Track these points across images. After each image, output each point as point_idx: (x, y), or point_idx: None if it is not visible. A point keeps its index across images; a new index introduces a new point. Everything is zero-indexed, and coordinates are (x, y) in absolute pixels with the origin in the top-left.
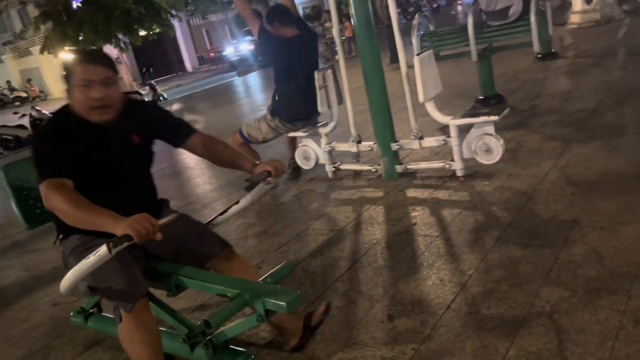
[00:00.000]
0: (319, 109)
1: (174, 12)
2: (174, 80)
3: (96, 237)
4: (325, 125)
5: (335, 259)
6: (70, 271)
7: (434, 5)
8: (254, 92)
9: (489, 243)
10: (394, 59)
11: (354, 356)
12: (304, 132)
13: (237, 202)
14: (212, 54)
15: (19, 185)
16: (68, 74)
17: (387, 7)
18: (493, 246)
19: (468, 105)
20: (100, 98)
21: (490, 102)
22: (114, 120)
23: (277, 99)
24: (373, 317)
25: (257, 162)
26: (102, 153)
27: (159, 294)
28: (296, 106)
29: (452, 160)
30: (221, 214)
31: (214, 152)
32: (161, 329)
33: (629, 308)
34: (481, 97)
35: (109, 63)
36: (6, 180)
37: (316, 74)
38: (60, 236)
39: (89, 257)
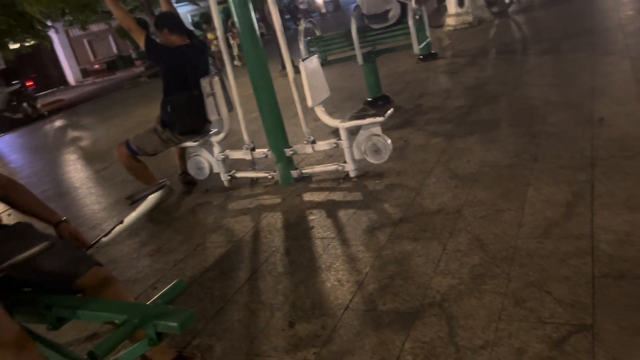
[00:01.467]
0: (210, 117)
1: (49, 22)
2: (56, 94)
3: None
4: (217, 133)
5: (234, 270)
6: None
7: (323, 11)
8: (143, 103)
9: (382, 240)
10: (283, 65)
11: None
12: (194, 142)
13: (121, 222)
14: (96, 66)
15: None
16: None
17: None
18: (386, 242)
19: (357, 107)
20: None
21: (378, 103)
22: None
23: (168, 111)
24: (274, 326)
25: (62, 220)
26: None
27: (37, 326)
28: (189, 118)
29: (345, 162)
30: (105, 235)
31: (16, 200)
32: None
33: (509, 290)
34: (369, 99)
35: None
36: None
37: (202, 82)
38: None
39: None
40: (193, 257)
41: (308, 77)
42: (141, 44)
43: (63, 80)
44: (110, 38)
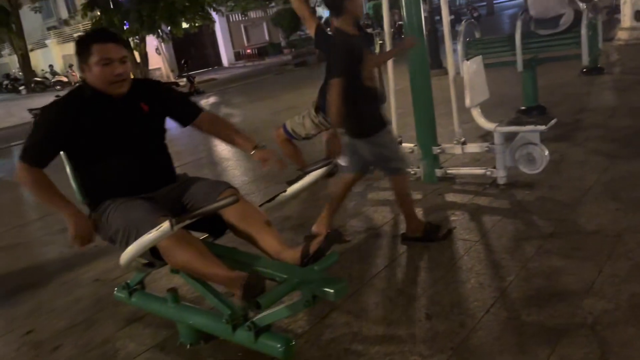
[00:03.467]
0: None
1: (215, 5)
2: (209, 73)
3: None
4: None
5: (372, 257)
6: (130, 246)
7: (475, 15)
8: (289, 89)
9: (529, 251)
10: (434, 65)
11: (391, 351)
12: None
13: (284, 191)
14: (248, 51)
15: None
16: (84, 51)
17: (429, 13)
18: (534, 255)
19: (508, 115)
20: (120, 74)
21: (533, 113)
22: (126, 92)
23: (327, 97)
24: (411, 315)
25: (257, 145)
26: (115, 121)
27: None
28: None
29: (494, 167)
30: (268, 201)
31: (217, 131)
32: (202, 309)
33: None
34: (523, 108)
35: (124, 42)
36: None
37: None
38: (91, 205)
39: (150, 233)
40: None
41: (471, 77)
42: (311, 32)
43: (218, 61)
44: (264, 25)
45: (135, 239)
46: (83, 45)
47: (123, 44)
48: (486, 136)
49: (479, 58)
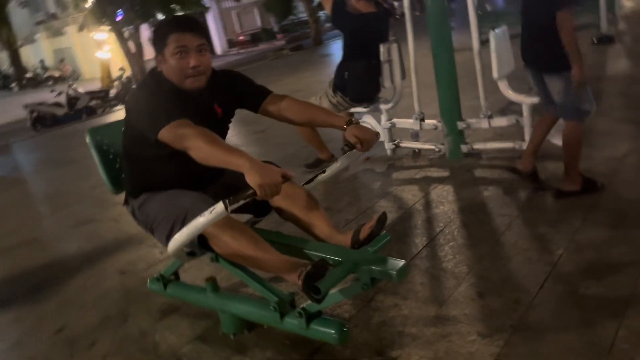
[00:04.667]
0: (384, 84)
1: None
2: None
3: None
4: (386, 101)
5: (409, 236)
6: (181, 231)
7: None
8: (289, 73)
9: (574, 224)
10: None
11: (448, 332)
12: (364, 108)
13: (323, 171)
14: (241, 37)
15: (105, 150)
16: (160, 41)
17: None
18: (580, 227)
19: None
20: (196, 65)
21: None
22: (203, 88)
23: (345, 76)
24: (462, 294)
25: (351, 119)
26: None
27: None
28: (365, 86)
29: (523, 140)
30: (307, 182)
31: (295, 111)
32: (245, 296)
33: None
34: None
35: (202, 29)
36: (93, 144)
37: (381, 47)
38: (131, 194)
39: (202, 216)
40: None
41: (497, 47)
42: (327, 8)
43: (211, 49)
44: (256, 11)
45: (183, 224)
46: (159, 35)
47: (202, 32)
48: (505, 110)
49: (504, 28)
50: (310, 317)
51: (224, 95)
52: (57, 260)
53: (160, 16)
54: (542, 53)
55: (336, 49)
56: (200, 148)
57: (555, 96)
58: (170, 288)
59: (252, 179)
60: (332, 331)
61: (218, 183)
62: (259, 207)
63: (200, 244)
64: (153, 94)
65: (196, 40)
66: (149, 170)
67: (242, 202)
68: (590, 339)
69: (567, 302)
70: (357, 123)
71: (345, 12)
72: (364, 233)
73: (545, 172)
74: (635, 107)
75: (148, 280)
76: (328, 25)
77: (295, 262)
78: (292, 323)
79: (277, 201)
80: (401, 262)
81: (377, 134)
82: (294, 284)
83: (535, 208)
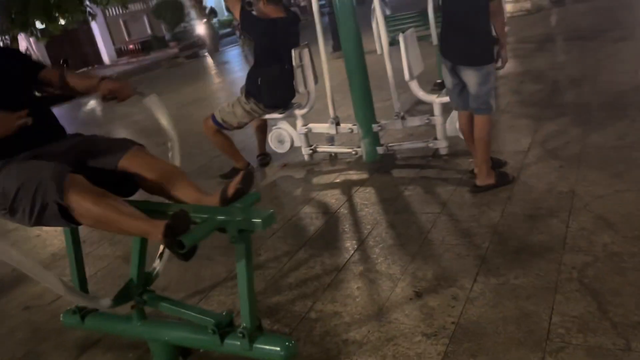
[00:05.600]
0: (298, 89)
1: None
2: (90, 73)
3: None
4: (300, 106)
5: (339, 241)
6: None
7: None
8: (188, 81)
9: (494, 216)
10: (337, 47)
11: (393, 335)
12: (280, 114)
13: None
14: (131, 46)
15: None
16: None
17: None
18: (500, 219)
19: (425, 88)
20: None
21: None
22: None
23: (259, 82)
24: (400, 296)
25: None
26: None
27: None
28: (279, 91)
29: (436, 138)
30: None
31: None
32: (176, 322)
33: None
34: (439, 81)
35: None
36: None
37: (293, 52)
38: None
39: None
40: (290, 226)
41: (407, 50)
42: (236, 14)
43: (98, 59)
44: (145, 18)
45: (43, 197)
46: None
47: None
48: (411, 110)
49: (411, 30)
50: (252, 336)
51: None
52: None
53: (39, 25)
54: (462, 47)
55: (234, 56)
56: None
57: (471, 89)
58: (90, 320)
59: None
60: (278, 348)
61: (65, 143)
62: (124, 187)
63: (67, 216)
64: None
65: None
66: None
67: None
68: (528, 328)
69: (502, 293)
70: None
71: (254, 17)
72: (230, 190)
73: (459, 169)
74: (530, 103)
75: (61, 315)
76: (223, 32)
77: (157, 221)
78: (234, 344)
79: (143, 175)
80: (269, 211)
81: (131, 86)
82: (158, 240)
83: (455, 204)
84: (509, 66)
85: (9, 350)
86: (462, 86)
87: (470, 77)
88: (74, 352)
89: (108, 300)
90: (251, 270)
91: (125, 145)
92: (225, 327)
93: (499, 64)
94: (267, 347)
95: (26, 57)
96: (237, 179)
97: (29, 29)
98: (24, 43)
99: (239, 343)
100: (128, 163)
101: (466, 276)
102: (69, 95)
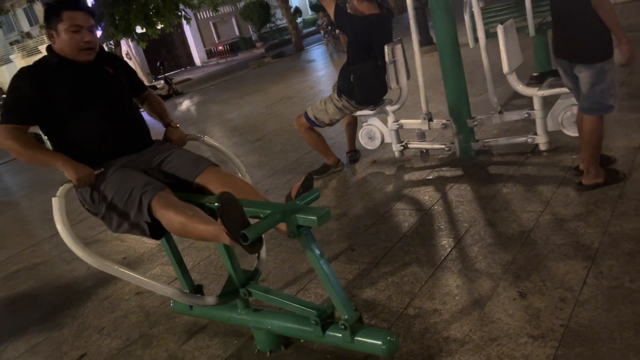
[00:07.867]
0: (390, 86)
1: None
2: (183, 74)
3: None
4: (392, 102)
5: (434, 238)
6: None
7: None
8: (275, 80)
9: (604, 216)
10: (424, 42)
11: (496, 335)
12: (371, 111)
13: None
14: (220, 47)
15: None
16: (53, 18)
17: None
18: (610, 219)
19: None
20: (89, 41)
21: (547, 78)
22: (92, 61)
23: (351, 79)
24: (502, 295)
25: (170, 123)
26: (84, 84)
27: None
28: (372, 88)
29: (535, 134)
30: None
31: (152, 106)
32: (280, 312)
33: None
34: (536, 74)
35: (92, 12)
36: None
37: (386, 48)
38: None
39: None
40: (383, 222)
41: (506, 41)
42: (330, 12)
43: (190, 61)
44: (233, 20)
45: (139, 207)
46: (52, 12)
47: (91, 14)
48: (506, 105)
49: (511, 21)
50: (354, 328)
51: (114, 65)
52: (66, 283)
53: (139, 30)
54: (572, 43)
55: (318, 55)
56: (20, 153)
57: (583, 87)
58: (198, 307)
59: (69, 173)
60: (379, 342)
61: (152, 151)
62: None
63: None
64: (18, 84)
65: (89, 20)
66: (75, 147)
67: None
68: None
69: (616, 297)
70: (177, 127)
71: (348, 14)
72: (293, 193)
73: (562, 165)
74: (638, 96)
75: (172, 301)
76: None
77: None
78: (335, 336)
79: (217, 189)
80: (324, 209)
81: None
82: (221, 237)
83: (559, 202)
84: (616, 55)
85: (125, 332)
86: (577, 85)
87: (582, 75)
88: (184, 337)
89: (214, 298)
90: (325, 264)
91: (204, 162)
92: (326, 319)
93: (622, 60)
94: (369, 340)
95: (133, 72)
96: (298, 183)
97: (130, 34)
98: (124, 47)
99: (340, 335)
100: (205, 180)
101: (575, 278)
102: None
